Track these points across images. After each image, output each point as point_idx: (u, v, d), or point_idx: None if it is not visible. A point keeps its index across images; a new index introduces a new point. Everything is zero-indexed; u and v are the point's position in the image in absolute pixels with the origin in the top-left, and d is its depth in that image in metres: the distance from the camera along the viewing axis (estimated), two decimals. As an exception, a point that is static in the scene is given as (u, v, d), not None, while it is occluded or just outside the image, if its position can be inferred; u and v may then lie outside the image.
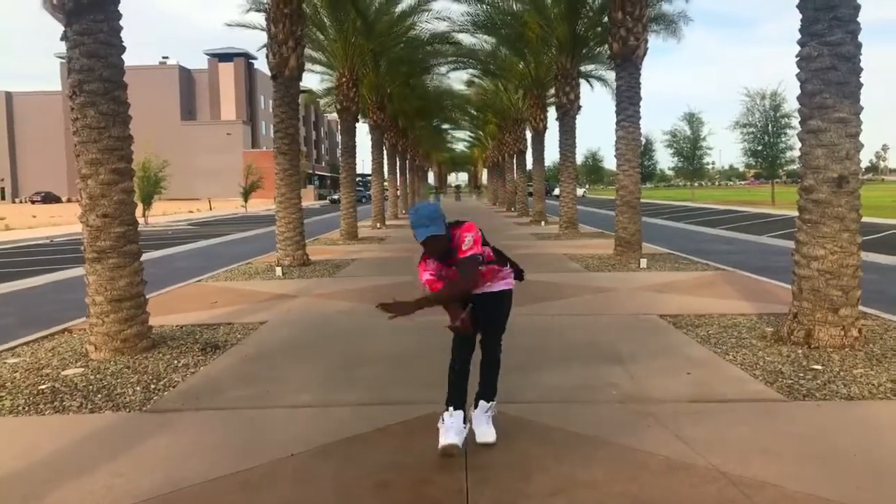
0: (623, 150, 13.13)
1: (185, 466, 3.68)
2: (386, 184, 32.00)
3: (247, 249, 17.58)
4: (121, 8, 6.31)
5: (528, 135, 29.96)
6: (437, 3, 21.05)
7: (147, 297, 6.62)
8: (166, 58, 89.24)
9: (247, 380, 5.30)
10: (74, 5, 5.95)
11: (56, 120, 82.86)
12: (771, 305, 7.73)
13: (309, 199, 65.93)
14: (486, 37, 23.64)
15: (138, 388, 5.09)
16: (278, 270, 11.68)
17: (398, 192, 35.08)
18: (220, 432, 4.23)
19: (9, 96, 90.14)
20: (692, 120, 52.67)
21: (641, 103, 13.10)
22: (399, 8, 21.05)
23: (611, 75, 22.17)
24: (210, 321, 7.56)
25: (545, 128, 26.77)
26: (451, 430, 3.72)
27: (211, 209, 50.84)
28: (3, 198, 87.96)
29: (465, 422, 3.82)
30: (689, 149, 53.04)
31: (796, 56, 6.17)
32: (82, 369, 5.64)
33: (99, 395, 4.93)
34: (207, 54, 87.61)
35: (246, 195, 46.90)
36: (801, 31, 6.10)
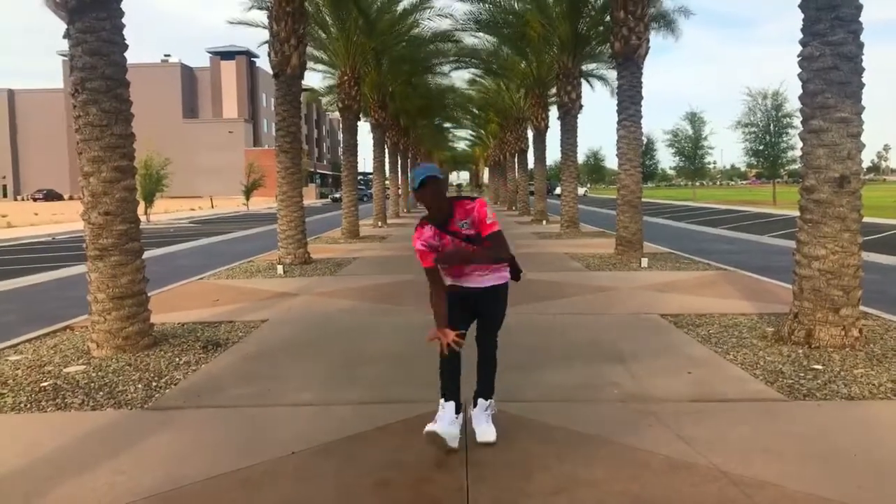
0: (624, 150, 13.13)
1: (187, 464, 3.69)
2: (387, 182, 32.01)
3: (248, 247, 17.60)
4: (123, 6, 6.31)
5: (530, 134, 29.98)
6: (438, 2, 20.99)
7: (149, 294, 6.64)
8: (168, 56, 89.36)
9: (248, 378, 5.31)
10: (77, 3, 5.96)
11: (58, 117, 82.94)
12: (772, 305, 7.73)
13: (310, 197, 65.95)
14: (487, 36, 23.65)
15: (140, 386, 5.11)
16: (280, 268, 11.69)
17: (399, 191, 35.07)
18: (221, 430, 4.24)
19: (11, 94, 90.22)
20: (694, 119, 52.64)
21: (643, 103, 13.10)
22: (400, 6, 21.07)
23: (612, 74, 22.19)
24: (211, 319, 7.57)
25: (547, 127, 26.77)
26: (439, 419, 3.76)
27: (213, 207, 50.86)
28: (5, 195, 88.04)
29: (457, 412, 3.81)
30: (691, 148, 53.00)
31: (798, 56, 6.16)
32: (84, 367, 5.65)
33: (101, 393, 4.94)
34: (209, 52, 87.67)
35: (248, 193, 46.93)
36: (802, 30, 6.10)
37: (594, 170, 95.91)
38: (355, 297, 8.95)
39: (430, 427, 3.70)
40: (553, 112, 25.80)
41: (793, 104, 37.90)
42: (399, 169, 36.09)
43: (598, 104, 69.65)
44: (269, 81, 16.44)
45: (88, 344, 6.21)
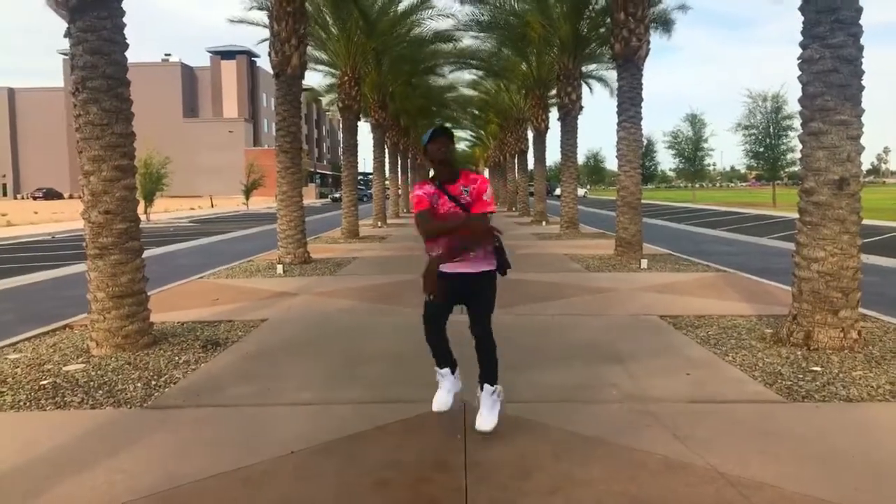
0: (624, 151, 13.14)
1: (186, 463, 3.70)
2: (387, 182, 32.02)
3: (248, 247, 17.61)
4: (124, 5, 6.32)
5: (530, 135, 30.00)
6: (439, 3, 20.99)
7: (148, 293, 6.64)
8: (169, 55, 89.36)
9: (247, 377, 5.32)
10: (78, 2, 5.97)
11: (58, 116, 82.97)
12: (771, 307, 7.73)
13: (310, 197, 65.96)
14: (488, 36, 23.62)
15: (139, 385, 5.11)
16: (279, 268, 11.70)
17: (399, 191, 35.09)
18: (220, 429, 4.24)
19: (11, 92, 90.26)
20: (694, 121, 52.69)
21: (643, 104, 13.11)
22: (401, 6, 21.07)
23: (612, 75, 22.21)
24: (211, 318, 7.58)
25: (547, 128, 26.79)
26: (440, 389, 4.14)
27: (213, 206, 50.88)
28: (5, 194, 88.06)
29: (454, 373, 4.17)
30: (691, 150, 53.04)
31: (798, 58, 6.17)
32: (83, 365, 5.66)
33: (100, 392, 4.95)
34: (210, 52, 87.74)
35: (247, 193, 46.95)
36: (802, 33, 6.11)
37: (594, 171, 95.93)
38: (355, 297, 8.96)
39: (434, 407, 4.08)
40: (553, 113, 25.82)
41: (793, 106, 37.97)
42: (399, 169, 36.10)
43: (598, 105, 69.79)
44: (270, 81, 16.44)
45: (88, 342, 6.21)
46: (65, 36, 6.17)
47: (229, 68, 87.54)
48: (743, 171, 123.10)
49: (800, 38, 6.14)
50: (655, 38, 18.55)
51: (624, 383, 5.00)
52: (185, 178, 64.25)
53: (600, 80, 26.71)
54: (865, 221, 6.34)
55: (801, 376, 5.10)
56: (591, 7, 18.26)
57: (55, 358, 5.92)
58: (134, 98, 6.48)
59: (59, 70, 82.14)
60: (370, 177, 28.95)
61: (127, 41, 6.35)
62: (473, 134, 57.68)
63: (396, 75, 26.39)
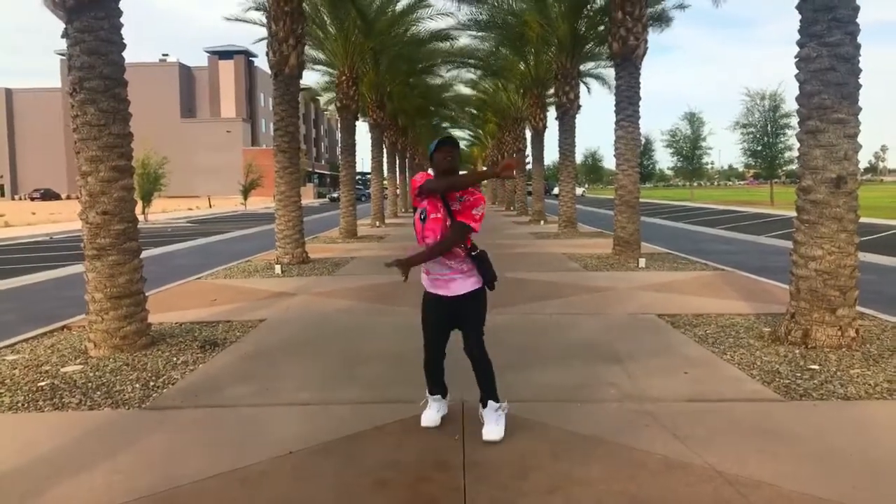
0: (622, 150, 13.14)
1: (184, 463, 3.69)
2: (385, 182, 32.01)
3: (246, 247, 17.60)
4: (121, 5, 6.31)
5: (528, 134, 29.99)
6: (437, 2, 20.99)
7: (146, 294, 6.63)
8: (166, 55, 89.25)
9: (246, 377, 5.31)
10: (75, 3, 5.96)
11: (56, 117, 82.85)
12: (769, 305, 7.74)
13: (308, 197, 65.97)
14: (486, 35, 23.62)
15: (137, 386, 5.11)
16: (277, 268, 11.69)
17: (398, 191, 35.06)
18: (218, 430, 4.24)
19: (9, 93, 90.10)
20: (692, 120, 52.77)
21: (641, 103, 13.12)
22: (399, 6, 21.05)
23: (610, 73, 22.20)
24: (209, 319, 7.57)
25: (545, 127, 26.80)
26: (429, 408, 4.20)
27: (210, 207, 50.82)
28: (3, 195, 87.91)
29: (444, 397, 4.25)
30: (689, 148, 53.12)
31: (795, 57, 6.18)
32: (81, 366, 5.65)
33: (98, 393, 4.95)
34: (207, 52, 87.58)
35: (245, 193, 46.91)
36: (800, 31, 6.11)
37: (592, 170, 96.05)
38: (353, 297, 8.96)
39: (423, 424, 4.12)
40: (551, 112, 25.83)
41: (790, 105, 38.07)
42: (397, 169, 36.08)
43: (596, 105, 69.95)
44: (268, 81, 16.47)
45: (86, 344, 6.21)
46: (62, 36, 6.16)
47: (227, 68, 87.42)
48: (741, 169, 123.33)
49: (797, 36, 6.15)
50: (654, 38, 18.57)
51: (622, 382, 5.01)
52: (182, 179, 64.27)
53: (598, 78, 26.73)
54: (863, 220, 6.34)
55: (798, 374, 5.11)
56: (589, 6, 18.26)
57: (53, 359, 5.92)
58: (131, 98, 6.47)
59: (57, 70, 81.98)
60: (368, 176, 28.93)
61: (124, 41, 6.35)
62: (472, 133, 57.69)
63: (394, 75, 26.37)
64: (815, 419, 4.27)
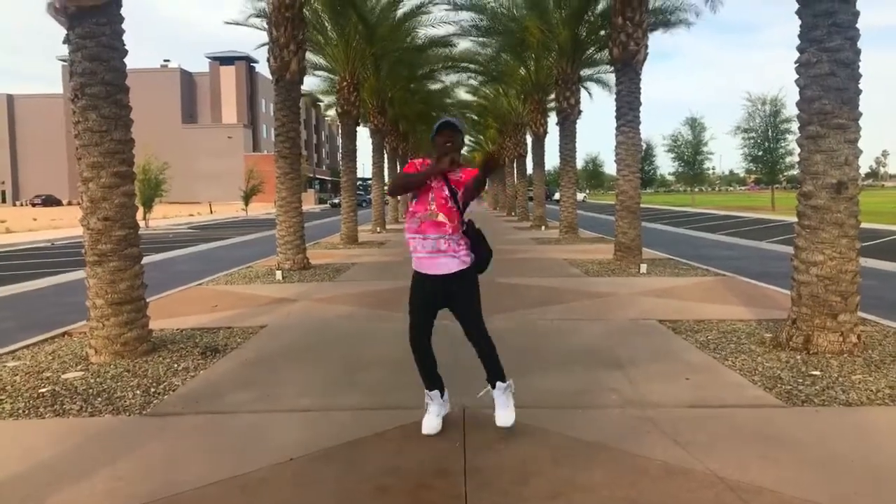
0: (623, 156, 13.16)
1: (185, 470, 3.69)
2: (387, 188, 32.02)
3: (247, 253, 17.60)
4: (123, 11, 6.33)
5: (529, 139, 30.04)
6: (439, 9, 20.97)
7: (147, 300, 6.63)
8: (168, 61, 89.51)
9: (246, 384, 5.31)
10: (77, 9, 5.98)
11: (57, 123, 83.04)
12: (770, 311, 7.73)
13: (309, 202, 66.00)
14: (487, 40, 23.70)
15: (138, 392, 5.10)
16: (278, 274, 11.69)
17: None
18: (219, 436, 4.23)
19: (10, 99, 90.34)
20: (694, 125, 52.85)
21: (641, 108, 13.14)
22: (400, 12, 21.12)
23: (612, 77, 22.25)
24: (210, 325, 7.57)
25: (545, 132, 26.83)
26: (428, 413, 4.15)
27: (212, 213, 50.90)
28: (4, 200, 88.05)
29: (442, 396, 4.19)
30: (691, 154, 53.18)
31: (795, 62, 6.18)
32: (82, 373, 5.65)
33: (99, 399, 4.94)
34: (209, 57, 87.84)
35: (247, 199, 46.99)
36: (800, 36, 6.12)
37: (593, 175, 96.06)
38: (354, 303, 8.96)
39: (425, 430, 4.08)
40: (552, 118, 25.88)
41: (791, 110, 38.12)
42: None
43: (596, 110, 70.02)
44: (269, 87, 16.46)
45: (87, 350, 6.20)
46: (64, 42, 6.17)
47: (228, 74, 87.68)
48: (742, 174, 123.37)
49: (797, 42, 6.16)
50: (656, 42, 18.60)
51: (624, 388, 5.00)
52: (184, 185, 64.33)
53: (600, 82, 26.75)
54: (864, 225, 6.34)
55: (800, 380, 5.10)
56: (590, 12, 18.29)
57: (54, 365, 5.91)
58: (133, 104, 6.48)
59: (59, 76, 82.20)
60: (369, 182, 28.96)
61: (126, 47, 6.36)
62: (472, 139, 57.77)
63: (395, 80, 26.43)
64: (816, 425, 4.26)
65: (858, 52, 5.90)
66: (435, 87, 32.03)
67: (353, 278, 11.75)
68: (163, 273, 13.50)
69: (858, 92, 5.91)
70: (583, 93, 22.43)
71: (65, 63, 8.90)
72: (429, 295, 4.06)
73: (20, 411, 4.71)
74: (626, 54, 12.94)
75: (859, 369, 5.33)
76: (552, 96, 24.13)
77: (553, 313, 8.00)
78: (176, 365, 5.86)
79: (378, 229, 24.58)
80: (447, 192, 3.94)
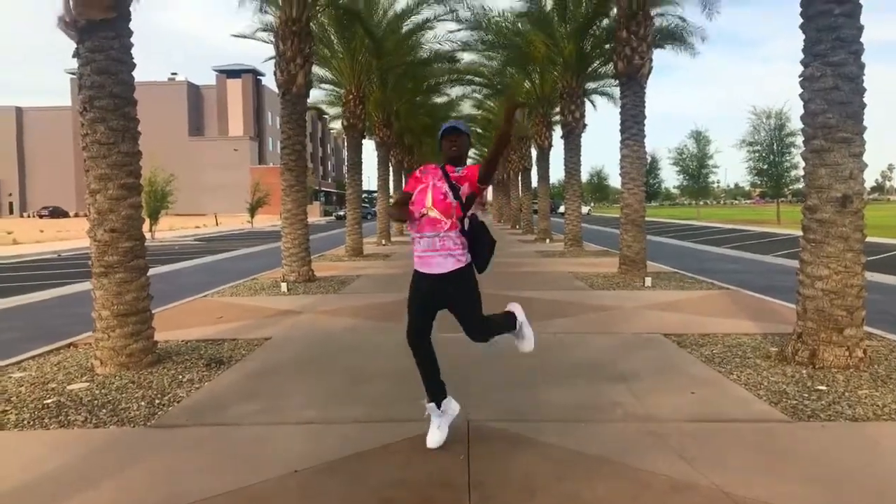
0: (628, 169, 13.17)
1: (190, 482, 3.69)
2: (391, 200, 32.09)
3: (252, 265, 17.65)
4: (131, 26, 6.41)
5: (534, 152, 30.11)
6: (443, 26, 21.23)
7: (153, 312, 6.66)
8: (175, 74, 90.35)
9: (251, 395, 5.31)
10: (87, 23, 6.05)
11: (64, 135, 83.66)
12: (775, 325, 7.71)
13: (315, 215, 66.19)
14: (492, 54, 23.83)
15: (143, 404, 5.11)
16: (283, 286, 11.71)
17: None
18: (224, 448, 4.23)
19: (19, 111, 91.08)
20: (699, 138, 52.89)
21: (646, 121, 13.17)
22: (406, 27, 21.26)
23: (617, 91, 22.31)
24: (215, 336, 7.58)
25: (550, 146, 26.87)
26: (431, 425, 4.15)
27: (217, 224, 51.08)
28: (12, 212, 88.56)
29: (440, 407, 4.14)
30: (696, 167, 53.20)
31: (799, 76, 6.20)
32: (87, 384, 5.66)
33: (104, 410, 4.95)
34: (216, 70, 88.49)
35: (252, 211, 47.15)
36: (804, 50, 6.14)
37: (597, 188, 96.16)
38: (359, 316, 8.96)
39: (428, 444, 4.09)
40: (556, 131, 25.96)
41: (796, 123, 38.13)
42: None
43: (602, 122, 70.22)
44: (275, 99, 16.53)
45: (92, 361, 6.22)
46: (73, 56, 6.25)
47: (235, 87, 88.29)
48: (747, 188, 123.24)
49: (800, 55, 6.18)
50: (661, 56, 18.62)
51: (628, 402, 4.98)
52: (190, 197, 64.61)
53: (604, 94, 26.81)
54: (869, 239, 6.32)
55: (806, 395, 5.07)
56: (595, 26, 18.36)
57: (59, 376, 5.93)
58: (140, 117, 6.53)
59: (67, 89, 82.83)
60: (375, 194, 29.04)
61: (134, 61, 6.43)
62: (477, 151, 57.96)
63: (401, 93, 26.56)
64: (822, 440, 4.23)
65: (863, 66, 5.91)
66: (440, 100, 32.18)
67: (359, 290, 11.77)
68: (168, 285, 13.54)
69: (863, 106, 5.92)
70: (587, 104, 22.50)
71: (73, 76, 8.99)
72: (426, 294, 4.05)
73: (25, 422, 4.73)
74: (630, 68, 12.99)
75: (865, 384, 5.31)
76: (557, 109, 24.21)
77: (558, 326, 7.99)
78: (181, 376, 5.87)
79: (383, 241, 24.62)
80: (446, 188, 3.94)
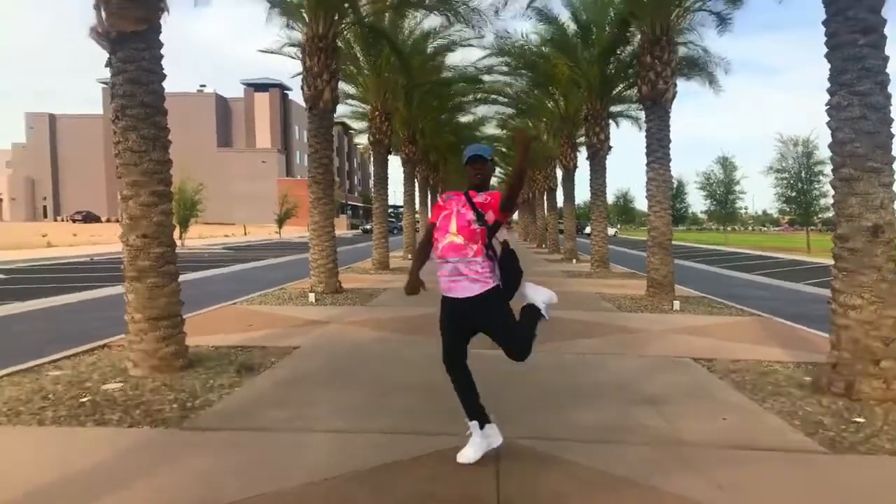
0: (654, 192, 13.11)
1: (221, 484, 3.73)
2: (417, 216, 32.24)
3: (280, 275, 17.81)
4: (161, 38, 6.57)
5: (559, 172, 30.09)
6: (467, 51, 21.50)
7: (184, 317, 6.76)
8: (204, 86, 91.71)
9: (281, 402, 5.35)
10: (119, 35, 6.23)
11: (96, 142, 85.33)
12: (808, 354, 7.57)
13: (342, 228, 66.72)
14: (516, 76, 24.05)
15: (175, 406, 5.18)
16: (311, 297, 11.80)
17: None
18: (255, 453, 4.27)
19: (52, 118, 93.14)
20: (725, 164, 52.46)
21: (671, 145, 13.11)
22: (431, 47, 21.48)
23: (642, 114, 22.30)
24: (245, 343, 7.67)
25: (575, 166, 26.83)
26: (469, 443, 4.10)
27: (246, 234, 51.67)
28: (46, 215, 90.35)
29: (482, 427, 4.08)
30: (723, 192, 52.70)
31: (826, 104, 6.14)
32: (121, 384, 5.76)
33: (137, 411, 5.03)
34: (244, 84, 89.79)
35: (280, 222, 47.65)
36: (829, 79, 6.08)
37: (623, 210, 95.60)
38: (386, 328, 9.00)
39: (461, 459, 4.04)
40: (581, 152, 25.94)
41: (823, 151, 37.71)
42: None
43: (627, 144, 69.92)
44: (302, 113, 16.76)
45: (126, 363, 6.33)
46: (106, 66, 6.43)
47: (262, 100, 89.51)
48: (775, 215, 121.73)
49: (827, 84, 6.13)
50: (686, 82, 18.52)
51: (657, 425, 4.93)
52: (218, 206, 65.40)
53: (629, 117, 26.77)
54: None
55: (843, 427, 4.95)
56: (619, 51, 18.38)
57: (94, 376, 6.04)
58: (170, 126, 6.67)
59: (99, 98, 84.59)
60: (401, 209, 29.17)
61: (164, 72, 6.58)
62: (502, 171, 58.04)
63: (426, 111, 26.73)
64: (862, 474, 4.14)
65: (889, 96, 5.85)
66: (465, 119, 32.35)
67: (385, 303, 11.81)
68: (198, 291, 13.72)
69: (891, 136, 5.84)
70: (612, 125, 22.51)
71: (105, 86, 9.19)
72: (456, 317, 4.09)
73: (62, 419, 4.82)
74: (654, 93, 12.97)
75: (904, 417, 5.18)
76: (582, 131, 24.22)
77: (585, 347, 7.94)
78: (211, 381, 5.94)
79: (409, 256, 24.69)
80: (472, 216, 3.97)
